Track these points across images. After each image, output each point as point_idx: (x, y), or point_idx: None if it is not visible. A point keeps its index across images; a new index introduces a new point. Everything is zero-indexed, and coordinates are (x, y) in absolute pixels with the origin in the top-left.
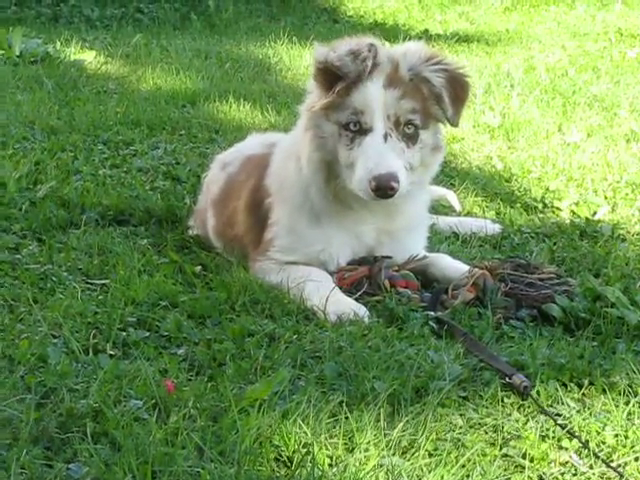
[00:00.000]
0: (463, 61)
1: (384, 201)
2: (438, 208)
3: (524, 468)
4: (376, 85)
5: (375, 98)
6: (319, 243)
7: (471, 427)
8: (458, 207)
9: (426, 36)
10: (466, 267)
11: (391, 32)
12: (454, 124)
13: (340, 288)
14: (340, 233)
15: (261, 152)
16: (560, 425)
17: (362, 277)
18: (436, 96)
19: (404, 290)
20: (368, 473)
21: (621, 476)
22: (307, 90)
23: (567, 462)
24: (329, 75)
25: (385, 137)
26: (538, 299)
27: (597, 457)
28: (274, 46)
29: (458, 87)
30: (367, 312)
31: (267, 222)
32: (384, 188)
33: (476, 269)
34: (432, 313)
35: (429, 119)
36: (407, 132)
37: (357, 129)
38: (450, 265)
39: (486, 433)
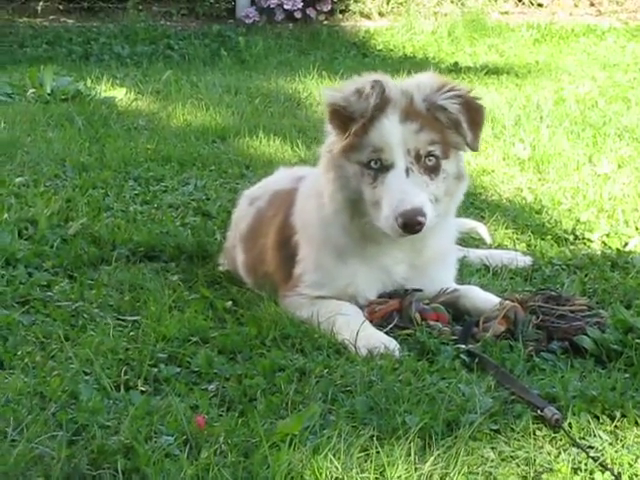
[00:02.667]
0: (477, 88)
1: (412, 236)
2: (469, 241)
3: None
4: (392, 121)
5: (392, 134)
6: (345, 278)
7: (503, 460)
8: (489, 239)
9: (456, 69)
10: (497, 299)
11: (421, 65)
12: (474, 148)
13: (371, 322)
14: (366, 268)
15: (288, 187)
16: (592, 457)
17: (393, 310)
18: (454, 123)
19: (435, 323)
20: None
21: None
22: (326, 131)
23: None
24: (341, 116)
25: (407, 172)
26: (569, 331)
27: None
28: (304, 81)
29: (473, 111)
30: (397, 345)
31: (295, 259)
32: (411, 224)
33: (507, 301)
34: (463, 346)
35: (449, 148)
36: (429, 164)
37: (378, 167)
38: (481, 297)
39: (518, 466)
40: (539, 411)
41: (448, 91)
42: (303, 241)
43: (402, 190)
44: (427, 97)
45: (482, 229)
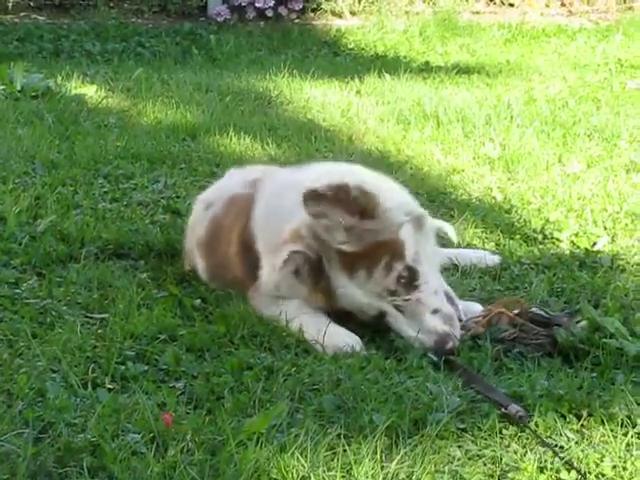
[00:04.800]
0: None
1: None
2: (437, 240)
3: None
4: (344, 283)
5: (356, 296)
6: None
7: (469, 459)
8: (455, 239)
9: (427, 68)
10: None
11: (392, 64)
12: None
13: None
14: None
15: (245, 192)
16: (559, 456)
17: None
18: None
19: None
20: None
21: None
22: None
23: None
24: None
25: (399, 310)
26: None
27: None
28: (275, 79)
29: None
30: (361, 344)
31: (259, 263)
32: (447, 351)
33: (495, 308)
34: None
35: (399, 244)
36: (404, 283)
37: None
38: (470, 306)
39: (484, 465)
40: (503, 409)
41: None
42: (262, 249)
43: (413, 331)
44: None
45: (449, 229)
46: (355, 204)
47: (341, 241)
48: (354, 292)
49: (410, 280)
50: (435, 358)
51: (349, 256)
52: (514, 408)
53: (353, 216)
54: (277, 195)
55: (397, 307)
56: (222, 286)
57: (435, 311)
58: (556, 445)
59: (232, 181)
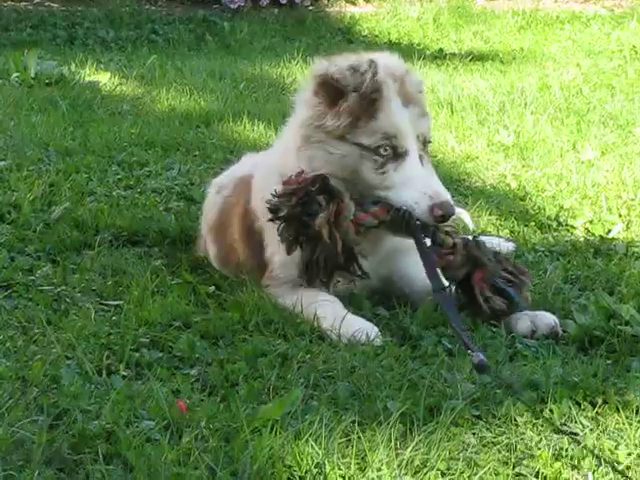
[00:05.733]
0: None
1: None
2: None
3: None
4: (397, 103)
5: (404, 120)
6: None
7: (484, 446)
8: (472, 226)
9: (441, 55)
10: None
11: (406, 51)
12: None
13: None
14: None
15: (249, 173)
16: (576, 441)
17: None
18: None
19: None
20: None
21: None
22: (300, 103)
23: None
24: (332, 89)
25: (421, 160)
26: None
27: (615, 470)
28: (288, 66)
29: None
30: (379, 333)
31: (263, 244)
32: (448, 216)
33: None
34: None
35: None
36: (428, 150)
37: (389, 154)
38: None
39: (499, 452)
40: (469, 352)
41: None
42: (266, 225)
43: (430, 181)
44: (411, 80)
45: (465, 215)
46: None
47: None
48: (404, 113)
49: (428, 153)
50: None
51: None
52: (477, 357)
53: None
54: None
55: (420, 157)
56: (230, 272)
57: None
58: (571, 432)
59: (242, 164)
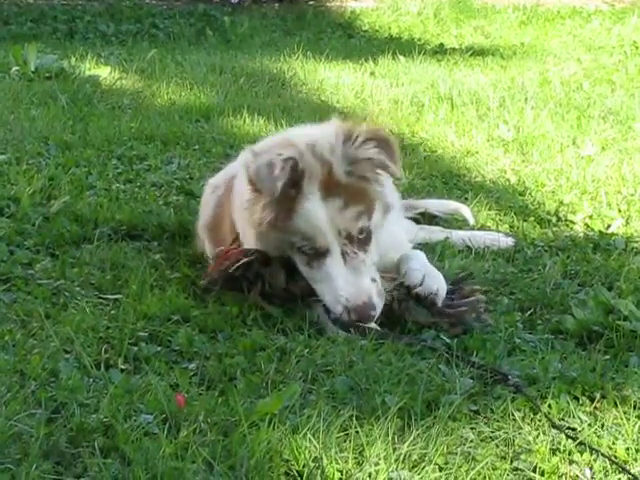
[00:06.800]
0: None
1: None
2: (452, 222)
3: None
4: (314, 201)
5: (319, 217)
6: None
7: (482, 441)
8: (472, 220)
9: (441, 50)
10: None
11: (406, 46)
12: (401, 179)
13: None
14: None
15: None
16: (571, 438)
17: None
18: (381, 167)
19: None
20: None
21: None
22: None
23: (578, 476)
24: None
25: (344, 256)
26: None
27: (614, 463)
28: (289, 61)
29: (388, 147)
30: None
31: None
32: (365, 319)
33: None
34: None
35: (374, 205)
36: (360, 239)
37: (313, 252)
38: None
39: (497, 447)
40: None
41: (359, 138)
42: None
43: (347, 281)
44: (345, 156)
45: (465, 210)
46: None
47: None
48: (320, 212)
49: (365, 240)
50: (344, 317)
51: (333, 181)
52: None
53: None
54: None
55: (344, 253)
56: None
57: (373, 280)
58: (569, 427)
59: (239, 162)
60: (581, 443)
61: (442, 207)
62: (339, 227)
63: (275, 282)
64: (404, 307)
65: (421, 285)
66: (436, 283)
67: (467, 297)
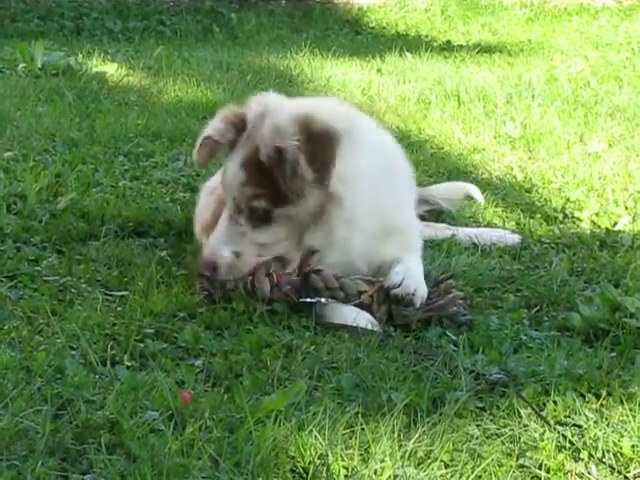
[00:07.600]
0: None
1: None
2: (458, 219)
3: (540, 479)
4: (232, 162)
5: (227, 177)
6: None
7: (488, 438)
8: (481, 198)
9: (448, 47)
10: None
11: (413, 43)
12: (321, 186)
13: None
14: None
15: None
16: (571, 441)
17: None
18: (290, 164)
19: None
20: None
21: None
22: None
23: (583, 473)
24: None
25: (230, 218)
26: None
27: (612, 468)
28: (296, 58)
29: (318, 148)
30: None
31: None
32: (199, 273)
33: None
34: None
35: (287, 197)
36: (253, 215)
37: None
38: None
39: (503, 444)
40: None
41: (295, 134)
42: None
43: (215, 236)
44: (267, 145)
45: (473, 189)
46: None
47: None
48: (229, 173)
49: (260, 219)
50: None
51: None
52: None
53: None
54: None
55: (231, 217)
56: None
57: (237, 254)
58: (575, 424)
59: None
60: (587, 440)
61: (450, 191)
62: (234, 195)
63: (260, 290)
64: (384, 310)
65: (399, 286)
66: (414, 285)
67: (444, 294)
